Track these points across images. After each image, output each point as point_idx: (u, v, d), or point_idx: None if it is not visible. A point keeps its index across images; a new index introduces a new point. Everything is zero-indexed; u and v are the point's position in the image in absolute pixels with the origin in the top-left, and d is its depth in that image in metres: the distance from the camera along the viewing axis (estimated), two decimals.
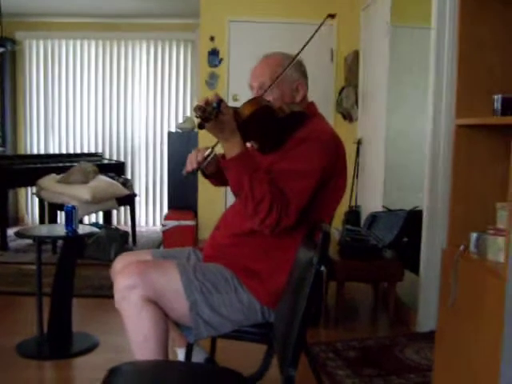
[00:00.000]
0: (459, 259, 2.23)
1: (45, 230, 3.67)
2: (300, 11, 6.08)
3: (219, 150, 2.11)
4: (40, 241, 3.30)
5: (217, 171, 2.42)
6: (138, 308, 2.04)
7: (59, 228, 3.45)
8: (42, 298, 3.38)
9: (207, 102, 1.90)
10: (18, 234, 3.27)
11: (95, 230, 3.40)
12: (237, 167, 2.02)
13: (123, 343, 3.64)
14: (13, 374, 3.09)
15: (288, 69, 2.26)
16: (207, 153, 2.18)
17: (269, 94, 2.23)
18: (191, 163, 2.20)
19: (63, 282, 3.37)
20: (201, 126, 1.90)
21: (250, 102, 2.11)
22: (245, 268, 2.19)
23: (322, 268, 1.50)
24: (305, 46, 2.25)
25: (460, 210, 2.43)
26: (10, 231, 6.29)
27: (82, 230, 3.34)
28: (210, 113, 1.87)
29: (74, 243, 3.44)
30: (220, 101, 1.90)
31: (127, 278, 2.06)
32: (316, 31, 2.27)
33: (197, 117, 1.88)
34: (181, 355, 2.61)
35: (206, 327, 2.12)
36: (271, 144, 2.20)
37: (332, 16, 2.22)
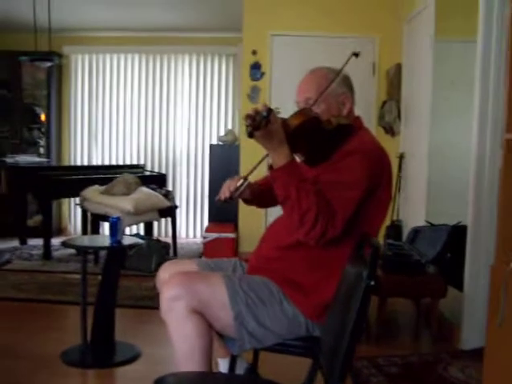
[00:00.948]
0: (509, 277, 2.19)
1: (90, 241, 3.72)
2: (343, 25, 6.08)
3: (260, 173, 2.13)
4: (85, 251, 3.35)
5: (253, 198, 2.50)
6: (183, 318, 2.05)
7: (104, 239, 3.49)
8: (86, 308, 3.43)
9: (257, 111, 1.92)
10: (65, 244, 3.33)
11: (139, 241, 3.44)
12: (284, 177, 2.03)
13: (165, 354, 3.67)
14: (57, 381, 3.14)
15: (334, 83, 2.26)
16: (239, 183, 2.26)
17: (315, 108, 2.23)
18: (224, 192, 2.31)
19: (107, 292, 3.42)
20: (250, 135, 1.93)
21: (298, 113, 2.13)
22: (290, 281, 2.18)
23: (372, 283, 1.49)
24: (336, 76, 2.25)
25: (508, 225, 2.39)
26: (53, 241, 6.42)
27: (126, 241, 3.38)
28: (260, 121, 1.89)
29: (119, 254, 3.48)
30: (269, 110, 1.92)
31: (173, 289, 2.07)
32: (341, 70, 2.28)
33: (247, 125, 1.90)
34: (222, 366, 2.62)
35: (249, 339, 2.12)
36: (318, 156, 2.21)
37: (356, 55, 2.24)
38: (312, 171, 2.18)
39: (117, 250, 3.36)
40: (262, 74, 6.18)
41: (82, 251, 3.31)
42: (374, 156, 2.17)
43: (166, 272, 2.40)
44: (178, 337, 2.08)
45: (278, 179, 2.04)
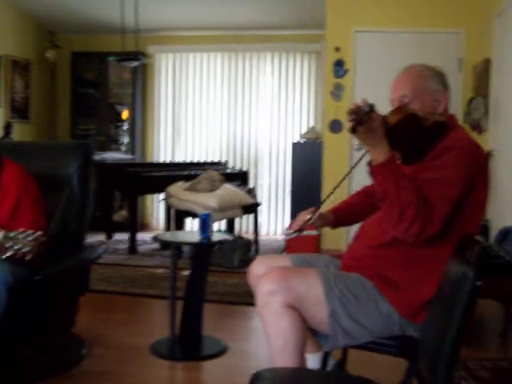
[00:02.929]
0: None
1: (180, 237, 3.80)
2: (427, 19, 5.97)
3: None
4: (176, 246, 3.42)
5: (334, 223, 2.60)
6: (278, 313, 2.08)
7: (194, 234, 3.56)
8: (175, 302, 3.51)
9: (359, 107, 1.93)
10: (156, 239, 3.41)
11: (228, 237, 3.49)
12: (383, 174, 2.03)
13: (251, 349, 3.72)
14: (146, 372, 3.23)
15: (429, 80, 2.25)
16: (309, 216, 2.44)
17: (410, 106, 2.21)
18: (295, 225, 2.49)
19: (196, 287, 3.48)
20: (353, 130, 1.93)
21: (397, 109, 2.14)
22: (384, 279, 2.18)
23: (480, 283, 1.46)
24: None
25: None
26: (138, 236, 6.58)
27: (215, 237, 3.43)
28: (363, 117, 1.89)
29: (208, 250, 3.55)
30: (371, 105, 1.92)
31: (269, 284, 2.10)
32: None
33: (350, 121, 1.90)
34: (311, 361, 2.62)
35: (343, 336, 2.13)
36: (414, 154, 2.19)
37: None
38: (408, 169, 2.16)
39: (207, 245, 3.42)
40: (346, 71, 6.15)
41: (173, 246, 3.39)
42: (471, 153, 2.13)
43: (259, 267, 2.42)
44: (273, 331, 2.11)
45: (378, 176, 2.05)
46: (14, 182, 2.85)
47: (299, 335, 2.11)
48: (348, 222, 2.67)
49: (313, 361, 2.49)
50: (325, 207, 2.62)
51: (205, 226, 3.31)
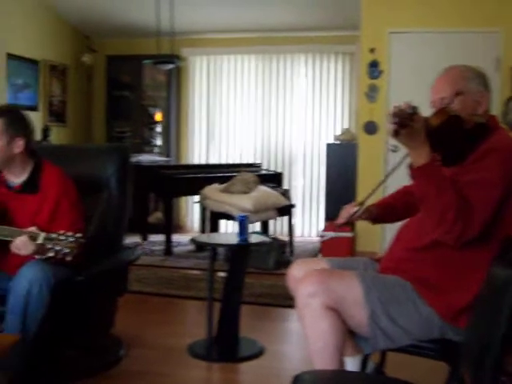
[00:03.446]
0: None
1: (218, 239, 3.83)
2: (464, 20, 5.89)
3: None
4: (214, 248, 3.44)
5: (377, 218, 2.56)
6: (318, 315, 2.09)
7: (231, 236, 3.58)
8: (212, 303, 3.53)
9: (401, 109, 1.92)
10: (193, 241, 3.44)
11: (265, 239, 3.50)
12: (424, 176, 2.03)
13: (287, 351, 3.73)
14: (184, 373, 3.26)
15: (470, 81, 2.24)
16: (355, 209, 2.42)
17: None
18: (340, 218, 2.46)
19: (233, 289, 3.50)
20: (395, 133, 1.93)
21: (439, 111, 2.12)
22: (424, 282, 2.17)
23: None
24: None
25: None
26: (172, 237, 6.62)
27: (252, 239, 3.44)
28: (406, 119, 1.88)
29: (246, 251, 3.56)
30: (414, 108, 1.91)
31: (309, 286, 2.11)
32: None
33: (393, 123, 1.90)
34: (350, 364, 2.61)
35: (383, 338, 2.13)
36: (455, 156, 2.18)
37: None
38: (448, 171, 2.15)
39: (245, 247, 3.44)
40: (380, 72, 6.10)
41: (211, 249, 3.41)
42: None
43: (298, 270, 2.43)
44: (313, 333, 2.12)
45: (419, 178, 2.04)
46: (53, 185, 2.90)
47: (339, 337, 2.11)
48: (387, 220, 2.64)
49: (351, 364, 2.49)
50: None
51: (242, 228, 3.32)
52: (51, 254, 2.54)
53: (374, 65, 6.12)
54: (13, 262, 2.74)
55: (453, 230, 1.98)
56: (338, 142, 6.84)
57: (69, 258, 2.54)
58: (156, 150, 8.02)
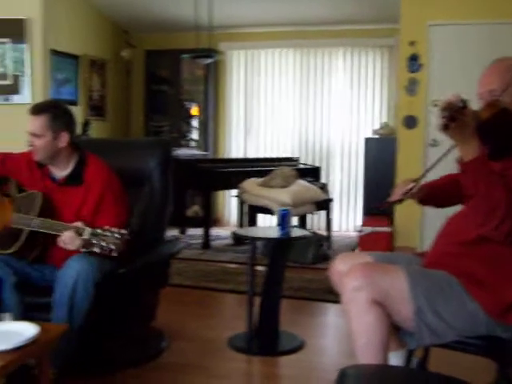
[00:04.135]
0: None
1: (259, 232, 3.84)
2: (506, 10, 5.77)
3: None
4: (254, 241, 3.45)
5: (428, 199, 2.50)
6: (364, 310, 2.08)
7: (272, 230, 3.59)
8: (252, 297, 3.54)
9: (451, 103, 1.90)
10: (235, 235, 3.46)
11: (307, 233, 3.50)
12: (474, 170, 2.00)
13: (327, 346, 3.72)
14: (224, 365, 3.28)
15: None
16: (410, 186, 2.34)
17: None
18: (395, 195, 2.38)
19: (274, 283, 3.51)
20: (445, 127, 1.91)
21: (489, 104, 2.10)
22: (471, 277, 2.14)
23: None
24: None
25: None
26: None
27: (294, 232, 3.44)
28: (456, 113, 1.86)
29: (287, 245, 3.56)
30: (464, 101, 1.89)
31: (355, 280, 2.11)
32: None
33: (442, 117, 1.87)
34: (393, 359, 2.60)
35: (429, 334, 2.11)
36: (505, 149, 2.14)
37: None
38: (497, 165, 2.11)
39: (287, 241, 3.44)
40: (420, 65, 6.03)
41: (252, 242, 3.42)
42: None
43: (343, 264, 2.42)
44: (358, 327, 2.12)
45: (468, 173, 2.02)
46: (97, 178, 2.95)
47: (384, 332, 2.11)
48: (435, 201, 2.58)
49: (395, 359, 2.48)
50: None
51: (284, 222, 3.33)
52: (97, 250, 2.58)
53: (413, 58, 6.05)
54: (59, 255, 2.80)
55: (502, 226, 1.95)
56: (377, 137, 6.78)
57: (115, 254, 2.58)
58: (193, 144, 8.06)
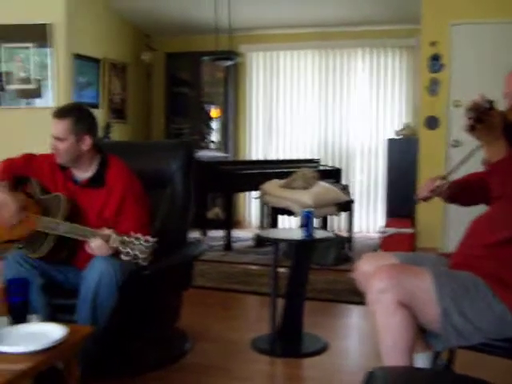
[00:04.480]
0: None
1: (282, 234, 3.83)
2: None
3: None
4: (276, 243, 3.45)
5: (455, 197, 2.48)
6: (390, 311, 2.07)
7: (295, 232, 3.58)
8: (275, 298, 3.53)
9: (478, 104, 1.89)
10: (258, 237, 3.46)
11: (330, 234, 3.49)
12: (503, 171, 1.99)
13: (351, 348, 3.71)
14: (247, 367, 3.27)
15: None
16: (437, 183, 2.33)
17: None
18: (423, 191, 2.38)
19: (297, 284, 3.50)
20: (472, 128, 1.90)
21: None
22: (498, 278, 2.13)
23: None
24: None
25: None
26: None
27: (317, 234, 3.43)
28: (483, 113, 1.85)
29: (310, 247, 3.55)
30: (491, 102, 1.87)
31: (380, 282, 2.10)
32: None
33: (470, 118, 1.86)
34: (419, 361, 2.58)
35: (455, 335, 2.10)
36: None
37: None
38: None
39: (310, 243, 3.44)
40: (442, 65, 6.00)
41: (275, 244, 3.41)
42: None
43: (367, 265, 2.41)
44: (384, 329, 2.11)
45: (495, 174, 2.00)
46: (119, 180, 2.96)
47: (410, 333, 2.10)
48: (461, 199, 2.55)
49: (421, 360, 2.46)
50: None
51: (307, 224, 3.32)
52: (127, 258, 2.58)
53: (435, 58, 6.02)
54: (83, 257, 2.82)
55: None
56: (399, 137, 6.75)
57: (144, 263, 2.58)
58: (213, 146, 8.08)
